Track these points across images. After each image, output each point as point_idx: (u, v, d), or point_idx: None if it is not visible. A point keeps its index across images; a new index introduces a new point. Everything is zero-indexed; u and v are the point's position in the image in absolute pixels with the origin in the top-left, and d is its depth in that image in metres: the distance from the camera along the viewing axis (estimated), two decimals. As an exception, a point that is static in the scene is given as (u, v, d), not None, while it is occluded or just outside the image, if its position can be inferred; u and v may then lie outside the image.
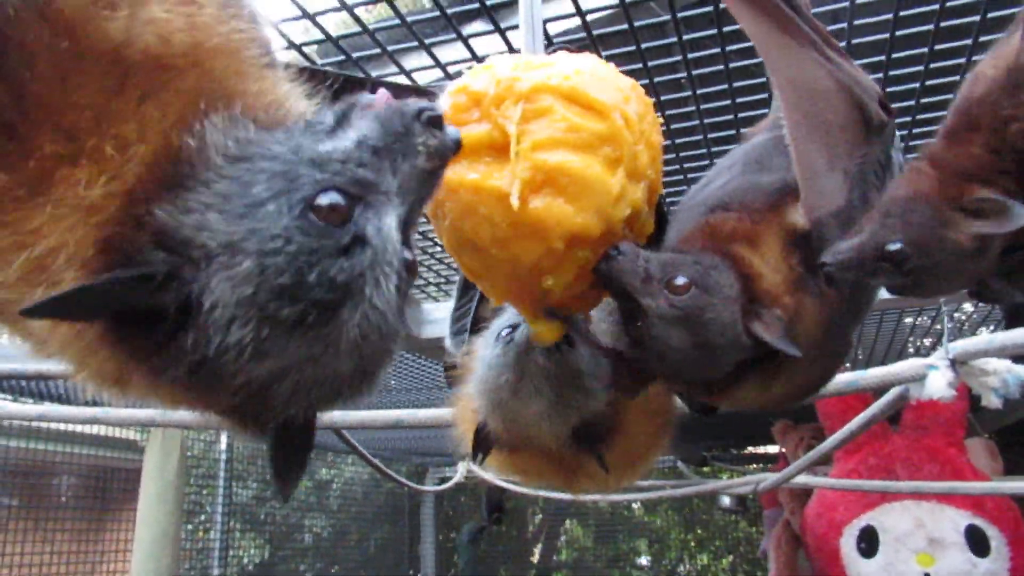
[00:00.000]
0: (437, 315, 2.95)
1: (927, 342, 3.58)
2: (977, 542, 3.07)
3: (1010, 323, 2.10)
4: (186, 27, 0.58)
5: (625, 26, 1.51)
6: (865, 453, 3.37)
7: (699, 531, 9.70)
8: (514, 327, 0.91)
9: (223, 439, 5.36)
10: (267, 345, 0.53)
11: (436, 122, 0.58)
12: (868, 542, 3.18)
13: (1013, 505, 3.18)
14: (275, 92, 0.62)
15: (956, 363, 1.43)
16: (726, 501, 7.90)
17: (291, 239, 0.52)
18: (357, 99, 0.59)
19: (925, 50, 1.60)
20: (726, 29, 1.53)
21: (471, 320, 1.16)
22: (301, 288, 0.52)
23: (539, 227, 0.66)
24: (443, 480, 6.70)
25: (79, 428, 3.91)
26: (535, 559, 9.83)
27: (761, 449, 7.99)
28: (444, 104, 0.69)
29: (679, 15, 1.49)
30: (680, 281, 0.79)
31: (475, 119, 0.68)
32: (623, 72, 0.74)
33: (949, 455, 3.27)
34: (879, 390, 1.62)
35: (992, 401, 1.41)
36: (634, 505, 10.24)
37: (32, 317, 0.52)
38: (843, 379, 1.60)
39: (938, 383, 1.43)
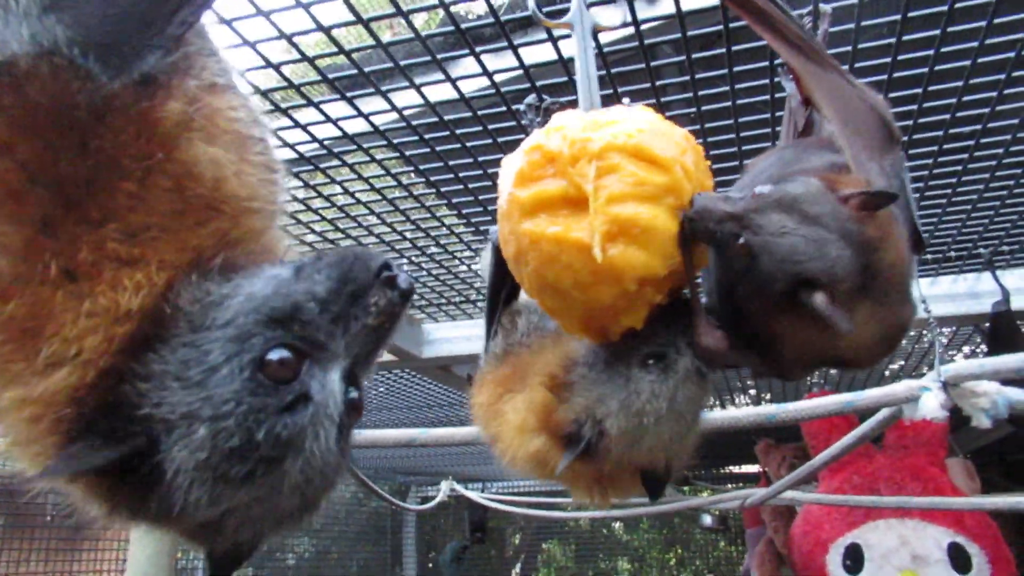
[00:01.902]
0: (437, 335, 3.00)
1: (901, 364, 3.67)
2: (959, 559, 3.15)
3: (992, 337, 2.18)
4: (237, 182, 0.65)
5: (642, 65, 1.59)
6: (849, 472, 3.44)
7: (679, 550, 9.72)
8: (661, 356, 0.96)
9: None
10: (220, 497, 0.61)
11: (392, 282, 0.64)
12: (853, 559, 3.25)
13: (992, 523, 3.26)
14: (270, 239, 0.68)
15: (948, 385, 1.51)
16: (707, 520, 7.95)
17: (241, 401, 0.59)
18: (330, 253, 0.65)
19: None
20: (736, 69, 1.61)
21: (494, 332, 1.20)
22: (249, 448, 0.60)
23: (616, 273, 0.74)
24: (425, 500, 6.70)
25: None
26: None
27: (741, 469, 8.07)
28: (519, 161, 0.75)
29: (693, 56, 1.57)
30: (762, 188, 0.83)
31: (550, 175, 0.75)
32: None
33: (931, 474, 3.35)
34: (869, 411, 1.69)
35: (983, 422, 1.47)
36: (615, 524, 10.27)
37: (48, 476, 0.60)
38: (840, 399, 1.66)
39: (931, 404, 1.50)
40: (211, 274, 0.63)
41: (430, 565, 8.01)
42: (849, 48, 1.59)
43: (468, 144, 1.93)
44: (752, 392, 5.52)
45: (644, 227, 0.75)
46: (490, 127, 1.86)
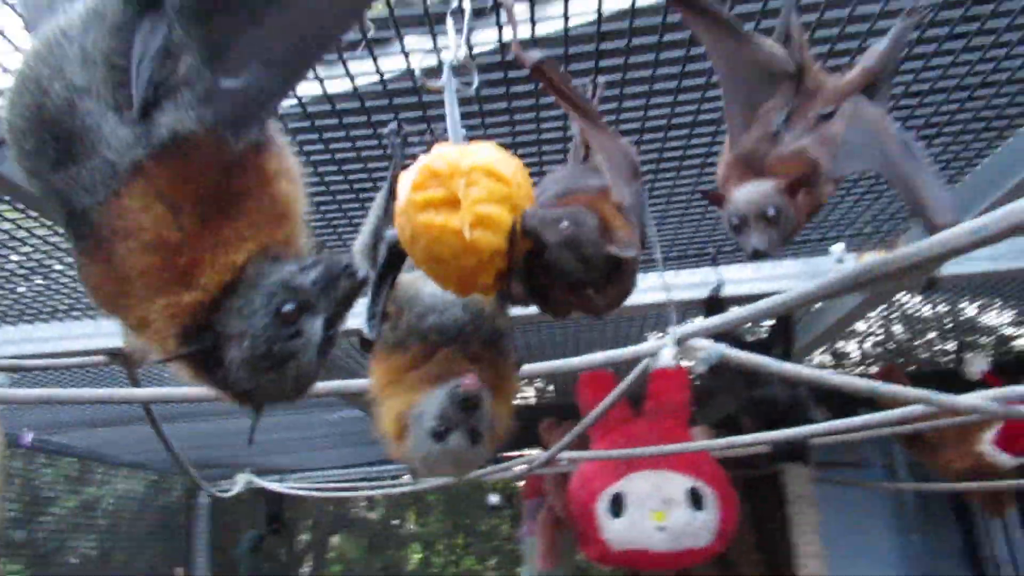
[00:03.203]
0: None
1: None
2: (696, 500, 3.89)
3: (708, 313, 2.85)
4: (297, 205, 1.04)
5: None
6: (615, 435, 4.09)
7: (466, 536, 10.17)
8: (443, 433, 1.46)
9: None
10: (253, 378, 0.98)
11: (352, 274, 1.04)
12: (617, 505, 3.90)
13: (721, 470, 4.05)
14: (297, 238, 1.07)
15: (680, 342, 2.07)
16: (494, 499, 8.55)
17: (266, 329, 0.97)
18: (329, 260, 1.05)
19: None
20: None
21: (381, 312, 1.59)
22: (269, 354, 0.97)
23: (477, 248, 1.14)
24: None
25: None
26: (305, 572, 9.84)
27: (528, 452, 8.74)
28: (414, 175, 1.15)
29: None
30: (563, 224, 1.27)
31: (435, 185, 1.15)
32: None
33: (679, 435, 4.08)
34: (627, 365, 2.24)
35: (699, 368, 2.06)
36: (407, 515, 10.56)
37: (166, 362, 0.97)
38: (607, 354, 2.20)
39: (667, 356, 2.06)
40: (266, 258, 0.98)
41: (220, 559, 7.89)
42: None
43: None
44: (538, 384, 6.17)
45: (494, 219, 1.15)
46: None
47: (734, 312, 2.04)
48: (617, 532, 3.86)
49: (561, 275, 1.25)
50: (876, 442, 5.95)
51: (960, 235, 1.08)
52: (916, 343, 5.29)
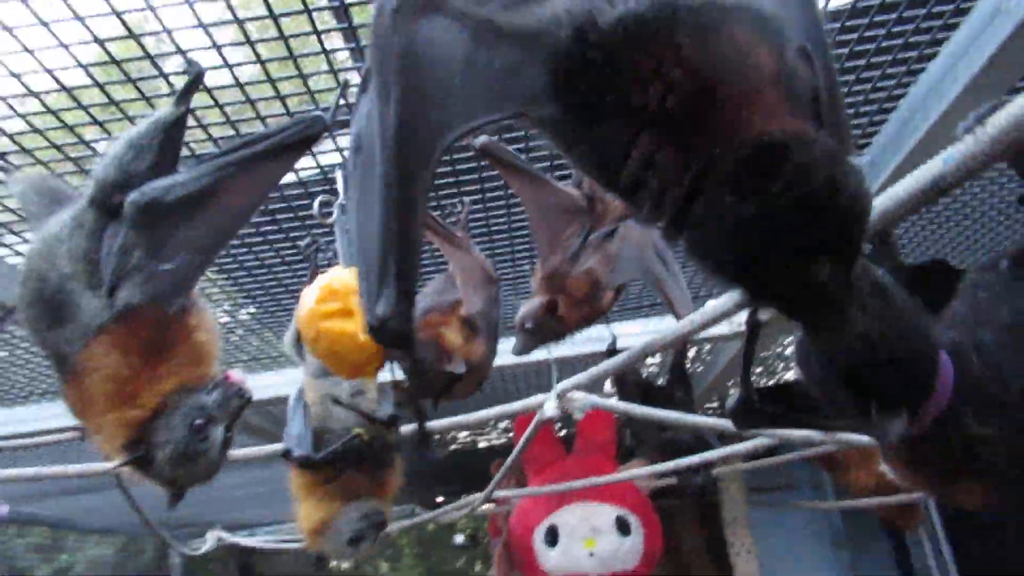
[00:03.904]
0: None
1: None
2: (623, 527, 4.30)
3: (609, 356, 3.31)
4: (213, 347, 1.47)
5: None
6: (548, 472, 4.49)
7: None
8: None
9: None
10: (175, 470, 1.40)
11: (243, 394, 1.47)
12: (551, 536, 4.30)
13: (645, 499, 4.47)
14: (209, 370, 1.48)
15: (560, 395, 2.51)
16: (459, 539, 8.86)
17: (183, 438, 1.39)
18: (226, 385, 1.46)
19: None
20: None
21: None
22: (185, 455, 1.39)
23: (366, 346, 1.48)
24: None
25: None
26: None
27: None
28: (316, 292, 1.52)
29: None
30: (416, 356, 1.71)
31: (333, 299, 1.49)
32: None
33: (606, 468, 4.49)
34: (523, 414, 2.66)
35: (577, 416, 2.49)
36: (380, 562, 10.75)
37: (122, 467, 1.39)
38: (500, 409, 2.63)
39: (550, 406, 2.49)
40: (184, 389, 1.39)
41: None
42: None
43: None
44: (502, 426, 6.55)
45: None
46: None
47: (602, 365, 2.49)
48: (553, 560, 4.25)
49: (423, 390, 1.73)
50: (804, 465, 6.41)
51: (694, 319, 1.55)
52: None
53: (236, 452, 3.29)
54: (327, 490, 2.28)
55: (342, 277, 1.59)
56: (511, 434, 6.59)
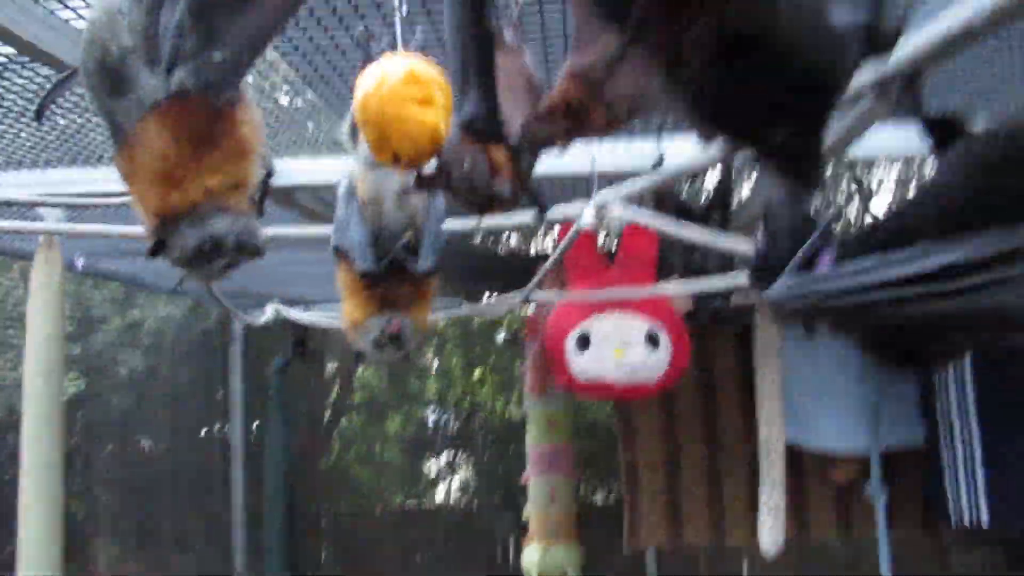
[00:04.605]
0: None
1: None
2: (652, 341, 4.48)
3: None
4: (257, 147, 1.50)
5: None
6: (589, 281, 4.62)
7: (479, 370, 10.87)
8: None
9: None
10: (181, 264, 1.49)
11: (254, 248, 1.51)
12: (583, 342, 4.50)
13: (679, 318, 4.61)
14: (248, 176, 1.50)
15: (598, 206, 2.56)
16: (501, 336, 9.29)
17: (192, 252, 1.44)
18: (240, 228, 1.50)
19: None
20: None
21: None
22: (189, 262, 1.46)
23: (437, 139, 1.42)
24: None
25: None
26: (332, 400, 10.60)
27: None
28: (399, 72, 1.40)
29: None
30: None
31: (415, 85, 1.39)
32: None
33: (645, 284, 4.62)
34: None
35: (614, 229, 2.55)
36: (425, 349, 11.30)
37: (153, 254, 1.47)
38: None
39: (588, 216, 2.55)
40: (215, 206, 1.42)
41: (255, 381, 8.65)
42: None
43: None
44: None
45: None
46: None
47: (642, 179, 2.51)
48: (582, 364, 4.47)
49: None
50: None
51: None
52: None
53: (293, 230, 3.48)
54: (371, 293, 2.45)
55: (423, 65, 1.49)
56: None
